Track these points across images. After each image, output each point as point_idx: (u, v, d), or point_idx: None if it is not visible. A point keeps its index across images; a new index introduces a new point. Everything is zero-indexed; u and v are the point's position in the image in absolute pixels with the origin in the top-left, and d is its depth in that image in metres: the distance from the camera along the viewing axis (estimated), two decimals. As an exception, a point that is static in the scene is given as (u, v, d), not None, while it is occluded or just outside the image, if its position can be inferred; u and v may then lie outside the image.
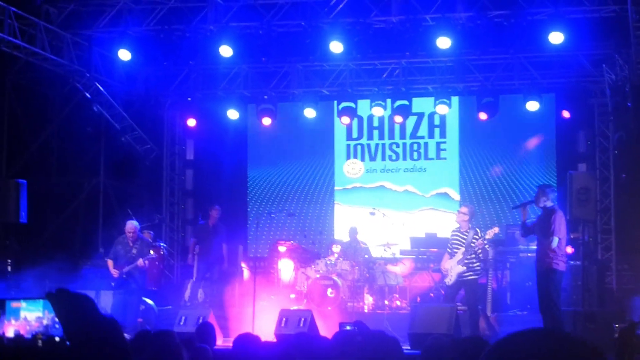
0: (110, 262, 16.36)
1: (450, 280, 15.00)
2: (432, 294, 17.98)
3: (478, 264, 15.03)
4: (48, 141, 20.75)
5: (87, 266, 18.56)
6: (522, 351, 2.12)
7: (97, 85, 19.37)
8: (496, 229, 15.10)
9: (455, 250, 15.05)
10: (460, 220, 15.24)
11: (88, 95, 19.41)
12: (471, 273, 14.94)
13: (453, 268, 14.93)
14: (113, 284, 16.42)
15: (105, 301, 16.79)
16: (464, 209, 15.43)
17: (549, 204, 13.53)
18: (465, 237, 15.04)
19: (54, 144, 20.96)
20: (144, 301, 16.84)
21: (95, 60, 19.12)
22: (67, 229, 20.49)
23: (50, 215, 20.62)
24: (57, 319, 2.62)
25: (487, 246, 15.55)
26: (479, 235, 15.04)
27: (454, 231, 15.41)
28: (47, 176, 20.76)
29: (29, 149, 20.20)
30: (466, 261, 14.88)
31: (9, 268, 17.45)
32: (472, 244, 14.91)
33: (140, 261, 16.09)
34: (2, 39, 16.50)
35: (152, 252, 16.79)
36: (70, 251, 19.66)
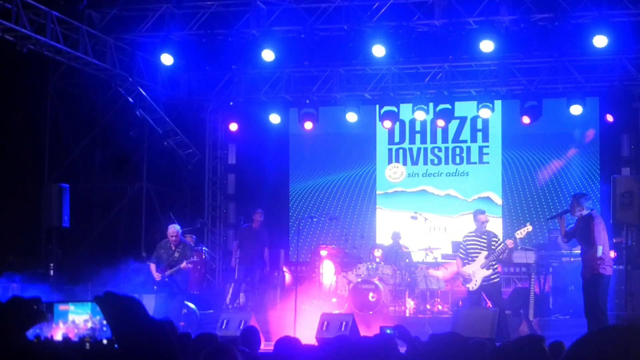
0: (152, 266, 16.40)
1: (475, 285, 14.86)
2: (460, 302, 17.84)
3: (497, 266, 14.99)
4: (91, 145, 20.87)
5: (130, 270, 18.63)
6: (609, 348, 2.06)
7: (140, 89, 19.46)
8: (529, 227, 14.94)
9: (474, 255, 14.91)
10: (479, 225, 15.12)
11: (131, 99, 19.50)
12: (496, 276, 14.91)
13: (477, 272, 14.81)
14: (155, 287, 16.45)
15: (148, 305, 16.81)
16: (484, 217, 15.30)
17: (585, 212, 13.41)
18: (484, 241, 14.91)
19: (97, 149, 21.08)
20: (186, 305, 16.87)
21: (138, 65, 19.22)
22: (109, 233, 20.60)
23: (93, 220, 20.75)
24: (105, 322, 2.61)
25: (519, 247, 15.44)
26: (498, 238, 15.00)
27: (469, 236, 15.25)
28: (90, 181, 20.89)
29: (72, 153, 20.34)
30: (490, 264, 14.78)
31: (52, 272, 17.56)
32: (493, 246, 14.81)
33: (183, 264, 16.11)
34: (45, 44, 16.61)
35: (194, 256, 16.80)
36: (113, 255, 19.74)
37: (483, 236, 14.98)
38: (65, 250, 18.66)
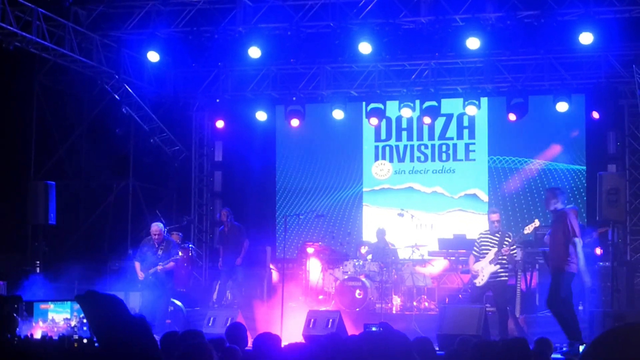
0: (137, 265, 16.36)
1: (481, 281, 14.89)
2: (460, 295, 17.90)
3: (508, 264, 15.03)
4: (77, 143, 20.83)
5: (116, 267, 18.61)
6: (625, 345, 2.07)
7: (126, 87, 19.43)
8: (536, 223, 14.95)
9: (485, 252, 14.97)
10: (491, 224, 15.17)
11: (117, 97, 19.47)
12: (504, 272, 14.90)
13: (485, 268, 14.84)
14: (140, 285, 16.42)
15: (134, 302, 16.80)
16: (497, 216, 15.35)
17: (559, 206, 13.48)
18: (496, 239, 14.96)
19: (83, 146, 21.04)
20: (173, 302, 16.85)
21: (124, 62, 19.18)
22: (96, 231, 20.56)
23: (79, 217, 20.71)
24: (86, 320, 2.61)
25: (515, 250, 15.48)
26: (511, 238, 15.03)
27: (482, 234, 15.35)
28: (76, 178, 20.84)
29: (58, 150, 20.30)
30: (499, 261, 14.81)
31: (38, 269, 17.52)
32: (505, 245, 14.86)
33: (159, 266, 16.08)
34: (31, 41, 16.56)
35: (179, 253, 16.78)
36: (99, 253, 19.72)
37: (496, 234, 15.05)
38: (52, 247, 18.61)
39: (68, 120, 20.56)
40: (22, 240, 18.67)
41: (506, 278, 15.02)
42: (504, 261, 14.92)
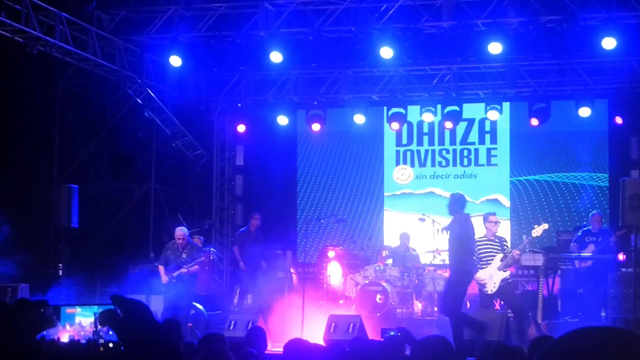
0: (161, 268, 16.44)
1: (493, 288, 14.71)
2: (468, 305, 17.81)
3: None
4: (99, 146, 20.92)
5: (138, 271, 18.66)
6: (583, 348, 2.07)
7: (149, 91, 19.50)
8: (545, 225, 14.88)
9: (489, 259, 14.81)
10: (491, 227, 15.05)
11: (139, 101, 19.54)
12: (510, 277, 14.89)
13: (494, 275, 14.68)
14: (163, 289, 16.49)
15: (156, 306, 16.85)
16: (495, 217, 15.26)
17: (462, 213, 13.64)
18: (497, 244, 14.86)
19: (106, 150, 21.12)
20: (194, 306, 16.89)
21: (147, 66, 19.27)
22: (118, 234, 20.63)
23: (101, 221, 20.78)
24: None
25: (527, 250, 15.41)
26: (508, 243, 15.06)
27: (480, 241, 15.13)
28: (99, 181, 20.92)
29: (81, 154, 20.38)
30: (507, 266, 14.74)
31: (60, 272, 17.59)
32: (506, 248, 14.79)
33: (183, 269, 16.16)
34: (54, 45, 16.65)
35: (202, 257, 16.84)
36: (122, 256, 19.78)
37: (495, 240, 14.93)
38: (74, 250, 18.70)
39: (91, 124, 20.65)
40: (45, 243, 18.76)
41: (512, 280, 15.02)
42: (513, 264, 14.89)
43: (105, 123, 20.86)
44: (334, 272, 19.02)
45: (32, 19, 15.95)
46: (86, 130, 20.51)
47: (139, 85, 19.26)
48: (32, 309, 2.45)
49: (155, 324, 2.54)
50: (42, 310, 2.52)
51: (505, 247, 14.84)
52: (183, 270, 16.19)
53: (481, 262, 14.81)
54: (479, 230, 15.13)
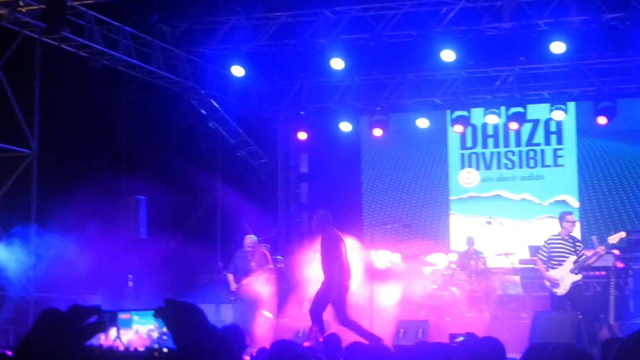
0: (230, 276, 16.56)
1: (564, 290, 14.56)
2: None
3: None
4: (165, 158, 21.10)
5: (206, 280, 18.79)
6: None
7: (212, 101, 19.65)
8: (622, 234, 14.70)
9: (561, 259, 14.63)
10: (568, 227, 14.88)
11: (203, 111, 19.70)
12: (580, 280, 14.70)
13: (566, 277, 14.51)
14: (232, 297, 16.59)
15: (225, 314, 16.97)
16: (572, 217, 15.10)
17: (327, 228, 13.70)
18: (570, 244, 14.69)
19: (172, 161, 21.30)
20: (263, 313, 16.94)
21: (209, 77, 19.40)
22: (185, 244, 20.78)
23: (169, 231, 20.95)
24: (166, 330, 2.64)
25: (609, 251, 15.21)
26: (581, 243, 14.85)
27: (553, 239, 14.96)
28: (166, 192, 21.10)
29: (147, 166, 20.58)
30: (580, 268, 14.56)
31: (130, 283, 17.79)
32: (579, 249, 14.60)
33: (252, 277, 16.24)
34: (118, 59, 16.87)
35: (270, 264, 16.92)
36: (190, 266, 19.93)
37: (569, 240, 14.76)
38: (143, 261, 18.88)
39: (157, 136, 20.85)
40: (114, 255, 18.97)
41: (581, 282, 14.83)
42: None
43: (171, 134, 21.05)
44: (401, 278, 18.93)
45: (95, 33, 16.18)
46: (152, 142, 20.70)
47: (203, 96, 19.42)
48: (84, 315, 2.48)
49: (208, 326, 2.55)
50: (94, 316, 2.55)
51: (578, 248, 14.67)
52: (251, 278, 16.27)
53: (552, 262, 14.64)
54: (554, 229, 14.93)
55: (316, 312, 13.48)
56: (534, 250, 18.43)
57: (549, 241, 15.02)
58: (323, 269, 13.67)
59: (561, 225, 14.91)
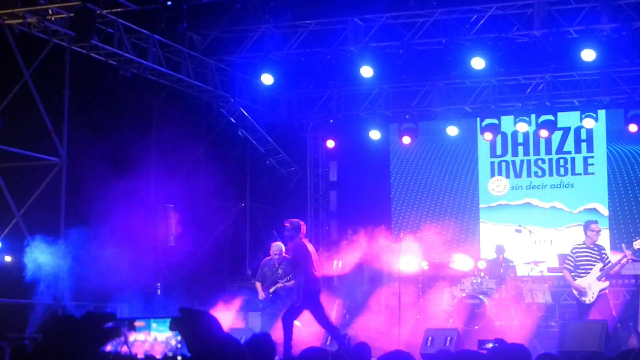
0: (258, 285, 16.54)
1: (592, 298, 14.49)
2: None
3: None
4: (195, 166, 21.16)
5: (235, 288, 18.81)
6: None
7: (241, 110, 19.69)
8: None
9: (587, 267, 14.55)
10: (593, 236, 14.80)
11: (233, 120, 19.75)
12: (607, 287, 14.60)
13: (593, 285, 14.45)
14: (261, 305, 16.59)
15: (254, 322, 16.98)
16: (597, 226, 15.00)
17: (296, 237, 13.74)
18: (596, 252, 14.60)
19: (201, 169, 21.36)
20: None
21: (239, 85, 19.46)
22: (215, 252, 20.83)
23: (198, 239, 21.01)
24: (181, 338, 2.65)
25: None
26: (607, 251, 14.75)
27: (579, 248, 14.88)
28: (195, 200, 21.17)
29: (177, 174, 20.64)
30: (606, 276, 14.46)
31: (159, 291, 17.84)
32: (605, 257, 14.50)
33: (279, 284, 16.23)
34: (147, 67, 16.94)
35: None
36: (219, 274, 19.96)
37: (595, 248, 14.69)
38: (172, 269, 18.93)
39: (186, 145, 20.90)
40: (143, 263, 19.03)
41: (608, 290, 14.70)
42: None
43: (200, 142, 21.11)
44: (430, 286, 18.88)
45: (124, 41, 16.27)
46: (181, 150, 20.76)
47: (232, 105, 19.47)
48: (98, 321, 2.49)
49: (223, 335, 2.55)
50: (108, 322, 2.55)
51: (604, 256, 14.59)
52: (279, 285, 16.27)
53: (578, 270, 14.57)
54: (578, 237, 14.84)
55: (286, 318, 13.71)
56: (563, 258, 18.35)
57: (574, 250, 14.98)
58: (292, 277, 14.01)
59: (585, 234, 14.85)
